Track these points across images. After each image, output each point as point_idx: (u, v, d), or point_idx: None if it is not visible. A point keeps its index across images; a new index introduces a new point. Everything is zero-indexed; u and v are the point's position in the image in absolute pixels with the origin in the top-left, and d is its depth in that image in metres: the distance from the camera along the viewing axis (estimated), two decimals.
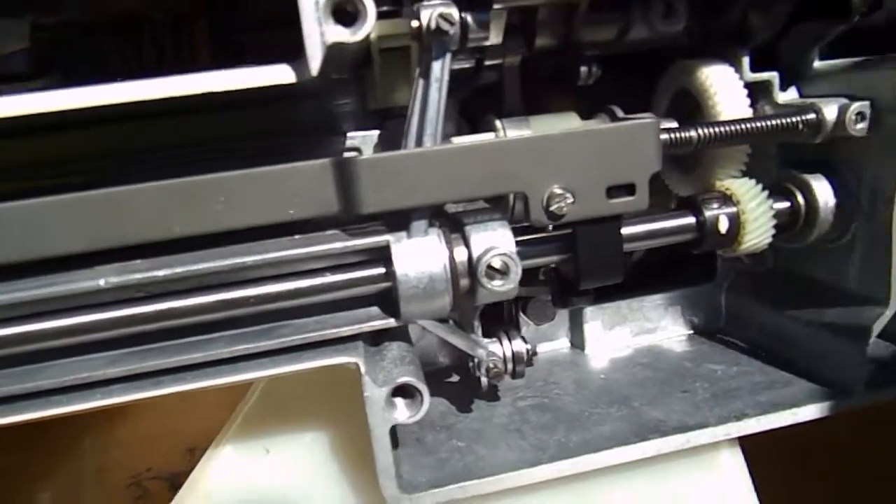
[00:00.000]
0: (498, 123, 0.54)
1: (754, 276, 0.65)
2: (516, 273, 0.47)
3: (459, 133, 0.62)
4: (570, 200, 0.46)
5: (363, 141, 0.58)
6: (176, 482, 0.80)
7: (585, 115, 0.58)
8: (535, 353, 0.54)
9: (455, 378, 0.64)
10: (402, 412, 0.46)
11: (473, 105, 0.61)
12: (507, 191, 0.46)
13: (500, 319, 0.67)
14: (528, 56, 0.55)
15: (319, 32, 0.39)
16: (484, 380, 0.58)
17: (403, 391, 0.46)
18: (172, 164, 0.58)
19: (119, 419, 0.84)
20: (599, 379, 0.60)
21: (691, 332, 0.67)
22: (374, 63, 0.53)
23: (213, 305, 0.47)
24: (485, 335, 0.59)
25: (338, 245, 0.47)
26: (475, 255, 0.47)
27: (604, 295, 0.66)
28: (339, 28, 0.39)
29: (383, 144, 0.58)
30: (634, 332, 0.66)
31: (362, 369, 0.45)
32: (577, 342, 0.67)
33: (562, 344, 0.67)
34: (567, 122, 0.54)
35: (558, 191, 0.46)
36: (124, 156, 0.56)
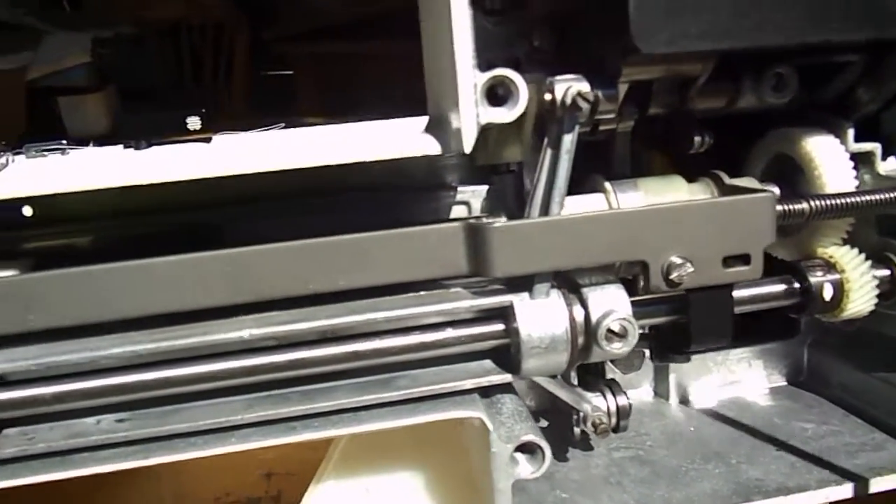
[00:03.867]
0: (608, 185, 0.56)
1: (839, 335, 0.66)
2: (634, 336, 0.49)
3: None
4: (690, 269, 0.48)
5: (473, 195, 0.60)
6: None
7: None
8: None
9: (543, 423, 0.66)
10: (525, 468, 0.47)
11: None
12: (631, 258, 0.48)
13: (589, 367, 0.69)
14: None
15: (475, 113, 0.41)
16: (577, 430, 0.59)
17: (524, 446, 0.48)
18: (277, 216, 0.61)
19: None
20: (689, 432, 0.62)
21: (773, 385, 0.68)
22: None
23: (341, 357, 0.49)
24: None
25: (465, 304, 0.49)
26: (594, 318, 0.49)
27: None
28: (495, 109, 0.41)
29: (491, 200, 0.60)
30: (718, 384, 0.68)
31: (490, 426, 0.47)
32: (661, 391, 0.68)
33: (644, 392, 0.69)
34: (674, 186, 0.56)
35: (677, 260, 0.48)
36: (239, 204, 0.58)
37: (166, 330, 0.47)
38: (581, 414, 0.55)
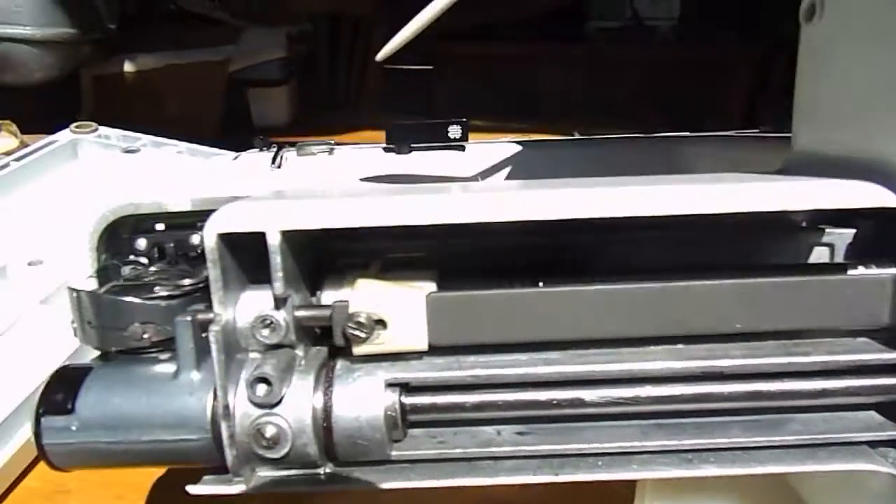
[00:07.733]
0: None
1: None
2: None
3: None
4: None
5: (839, 238, 0.59)
6: None
7: None
8: None
9: None
10: None
11: None
12: None
13: None
14: None
15: None
16: None
17: None
18: (635, 243, 0.61)
19: None
20: None
21: None
22: None
23: (741, 395, 0.50)
24: None
25: (884, 357, 0.48)
26: None
27: None
28: None
29: (858, 245, 0.59)
30: None
31: None
32: None
33: None
34: None
35: None
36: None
37: (584, 353, 0.49)
38: None
